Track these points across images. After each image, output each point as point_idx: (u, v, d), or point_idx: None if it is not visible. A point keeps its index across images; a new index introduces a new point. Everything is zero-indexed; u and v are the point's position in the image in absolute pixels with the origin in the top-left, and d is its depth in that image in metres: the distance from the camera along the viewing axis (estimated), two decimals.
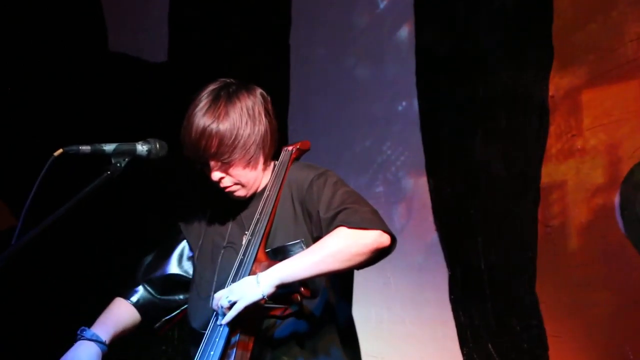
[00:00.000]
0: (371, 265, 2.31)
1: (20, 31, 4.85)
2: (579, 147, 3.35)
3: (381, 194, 4.04)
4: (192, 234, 2.59)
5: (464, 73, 3.72)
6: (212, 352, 2.24)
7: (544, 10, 3.44)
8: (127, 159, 2.19)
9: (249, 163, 2.40)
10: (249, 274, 2.28)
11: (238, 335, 2.24)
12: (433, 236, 3.79)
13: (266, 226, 2.37)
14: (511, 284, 3.53)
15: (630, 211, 3.20)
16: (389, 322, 3.94)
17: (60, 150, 2.08)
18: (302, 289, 2.23)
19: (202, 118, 2.34)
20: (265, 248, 2.37)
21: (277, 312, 2.26)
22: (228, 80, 2.46)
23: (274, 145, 2.49)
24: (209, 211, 2.59)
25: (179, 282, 2.57)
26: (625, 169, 3.21)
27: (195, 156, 2.38)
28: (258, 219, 2.39)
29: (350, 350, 2.47)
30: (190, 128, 2.35)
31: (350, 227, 2.24)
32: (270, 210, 2.40)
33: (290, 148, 2.60)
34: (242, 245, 2.41)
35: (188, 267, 2.58)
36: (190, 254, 2.59)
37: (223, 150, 2.34)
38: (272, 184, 2.46)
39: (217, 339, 2.25)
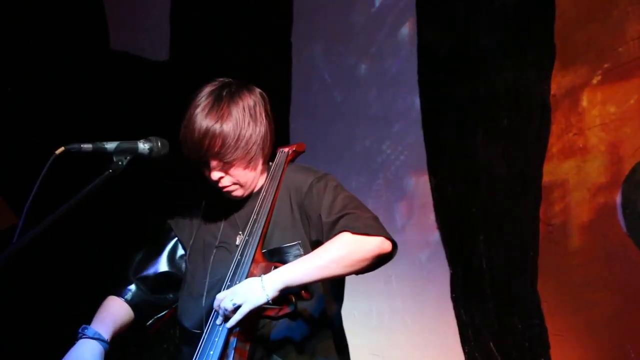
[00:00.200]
0: (371, 271, 2.33)
1: (21, 30, 4.85)
2: (581, 146, 3.35)
3: (382, 193, 4.04)
4: (183, 232, 2.59)
5: (466, 72, 3.73)
6: (211, 352, 2.25)
7: (545, 9, 3.45)
8: (128, 158, 2.19)
9: (249, 163, 2.42)
10: (247, 275, 2.29)
11: (236, 336, 2.25)
12: (434, 235, 3.80)
13: (263, 227, 2.39)
14: (513, 283, 3.54)
15: (631, 210, 3.20)
16: (390, 321, 3.94)
17: (62, 149, 2.08)
18: (303, 292, 2.25)
19: (205, 118, 2.34)
20: (262, 248, 2.38)
21: (271, 313, 2.26)
22: (226, 80, 2.47)
23: (272, 146, 2.50)
24: (201, 210, 2.60)
25: (171, 280, 2.57)
26: (626, 167, 3.21)
27: (197, 156, 2.38)
28: (255, 220, 2.40)
29: (343, 355, 2.50)
30: (192, 128, 2.35)
31: (354, 232, 2.26)
32: (267, 211, 2.41)
33: (286, 149, 2.61)
34: (235, 245, 2.43)
35: (180, 264, 2.59)
36: (182, 252, 2.59)
37: (225, 150, 2.35)
38: (269, 185, 2.47)
39: (216, 339, 2.26)
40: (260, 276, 2.22)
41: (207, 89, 2.43)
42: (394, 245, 2.32)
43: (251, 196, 2.50)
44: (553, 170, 3.44)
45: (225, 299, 2.22)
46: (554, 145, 3.44)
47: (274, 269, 2.25)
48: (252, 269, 2.31)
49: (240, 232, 2.44)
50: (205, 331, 2.30)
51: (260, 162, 2.47)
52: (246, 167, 2.42)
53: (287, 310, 2.25)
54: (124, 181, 2.31)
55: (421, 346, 3.84)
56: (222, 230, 2.50)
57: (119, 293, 2.56)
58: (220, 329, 2.26)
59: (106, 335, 2.43)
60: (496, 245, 3.59)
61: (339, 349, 2.48)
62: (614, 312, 3.24)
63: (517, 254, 3.52)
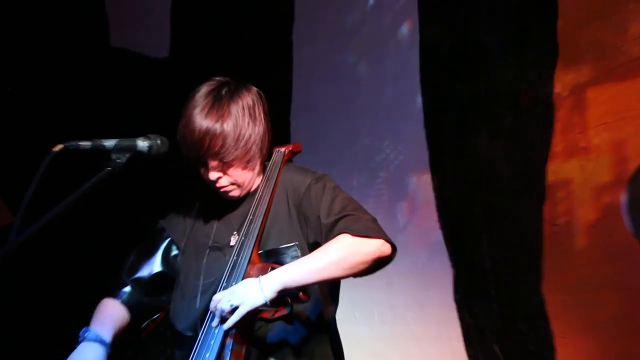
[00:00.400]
0: (370, 274, 2.33)
1: (21, 27, 4.86)
2: (584, 145, 3.35)
3: (383, 192, 4.04)
4: (176, 232, 2.60)
5: (468, 70, 3.73)
6: (207, 355, 2.24)
7: (547, 8, 3.45)
8: (127, 155, 2.18)
9: (248, 163, 2.43)
10: (244, 276, 2.29)
11: (232, 338, 2.26)
12: (437, 235, 3.81)
13: (260, 227, 2.39)
14: (517, 284, 3.54)
15: (637, 209, 3.19)
16: (392, 323, 3.95)
17: (60, 146, 2.08)
18: (301, 293, 2.25)
19: (205, 118, 2.35)
20: (258, 249, 2.38)
21: (267, 315, 2.26)
22: (224, 79, 2.47)
23: (269, 146, 2.51)
24: (195, 210, 2.60)
25: (166, 281, 2.57)
26: (631, 167, 3.22)
27: (196, 156, 2.39)
28: (251, 220, 2.41)
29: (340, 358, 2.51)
30: (192, 128, 2.35)
31: (353, 234, 2.27)
32: (263, 211, 2.42)
33: (282, 149, 2.62)
34: (230, 246, 2.43)
35: (175, 265, 2.59)
36: (177, 252, 2.60)
37: (225, 150, 2.36)
38: (265, 185, 2.48)
39: (212, 342, 2.25)
40: (257, 277, 2.22)
41: (206, 88, 2.43)
42: (394, 248, 2.32)
43: (247, 196, 2.51)
44: (557, 169, 3.44)
45: (222, 300, 2.22)
46: (558, 144, 3.44)
47: (271, 270, 2.25)
48: (248, 270, 2.31)
49: (235, 233, 2.45)
50: (200, 333, 2.30)
51: (258, 162, 2.48)
52: (244, 168, 2.43)
53: (283, 312, 2.25)
54: (122, 179, 2.31)
55: (424, 348, 3.84)
56: (215, 231, 2.50)
57: (115, 295, 2.56)
58: (217, 331, 2.26)
59: (107, 337, 2.44)
60: (500, 245, 3.60)
61: (335, 353, 2.49)
62: (621, 314, 3.24)
63: (521, 254, 3.53)
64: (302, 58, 4.48)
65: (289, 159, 2.63)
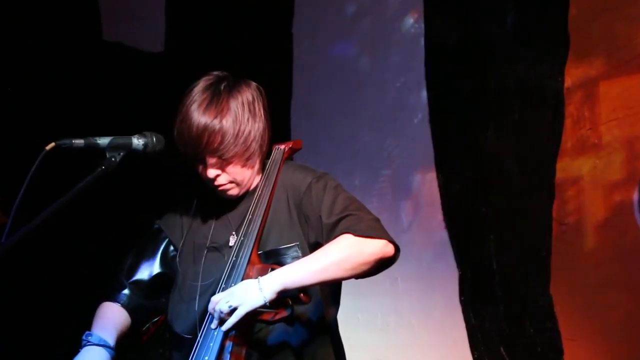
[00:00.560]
0: (372, 276, 2.32)
1: (9, 20, 4.83)
2: (596, 141, 3.35)
3: (387, 191, 4.05)
4: (174, 232, 2.59)
5: (475, 64, 3.73)
6: (206, 357, 2.24)
7: None
8: (122, 154, 2.17)
9: (247, 161, 2.41)
10: (243, 277, 2.28)
11: (232, 340, 2.25)
12: (442, 234, 3.81)
13: (259, 227, 2.38)
14: (524, 285, 3.53)
15: None
16: (396, 326, 3.96)
17: (53, 144, 2.07)
18: (302, 295, 2.24)
19: (203, 114, 2.33)
20: (258, 250, 2.37)
21: (267, 317, 2.25)
22: (222, 74, 2.46)
23: (269, 143, 2.50)
24: (192, 209, 2.59)
25: (166, 282, 2.56)
26: None
27: (194, 152, 2.37)
28: (250, 220, 2.39)
29: None
30: (189, 123, 2.33)
31: (356, 234, 2.26)
32: (263, 211, 2.40)
33: (282, 147, 2.60)
34: (228, 246, 2.42)
35: (174, 265, 2.58)
36: (175, 253, 2.58)
37: (224, 147, 2.35)
38: (264, 184, 2.47)
39: (211, 344, 2.25)
40: (257, 278, 2.21)
41: (203, 83, 2.41)
42: (397, 249, 2.31)
43: (246, 195, 2.49)
44: (566, 166, 3.44)
45: (220, 301, 2.21)
46: (568, 140, 3.44)
47: (270, 270, 2.24)
48: (248, 270, 2.30)
49: (234, 233, 2.43)
50: (199, 335, 2.30)
51: (258, 159, 2.46)
52: (244, 165, 2.41)
53: (284, 314, 2.24)
54: (117, 177, 2.28)
55: (428, 352, 3.85)
56: (213, 231, 2.49)
57: (114, 298, 2.55)
58: (216, 332, 2.25)
59: (111, 341, 2.43)
60: (507, 245, 3.59)
61: (337, 356, 2.48)
62: (631, 315, 3.22)
63: (529, 254, 3.52)
64: (302, 52, 4.47)
65: (289, 157, 2.61)
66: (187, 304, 2.43)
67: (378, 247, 2.26)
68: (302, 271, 2.22)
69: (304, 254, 2.35)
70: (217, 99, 2.36)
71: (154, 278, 2.56)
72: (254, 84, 2.48)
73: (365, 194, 3.93)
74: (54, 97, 4.78)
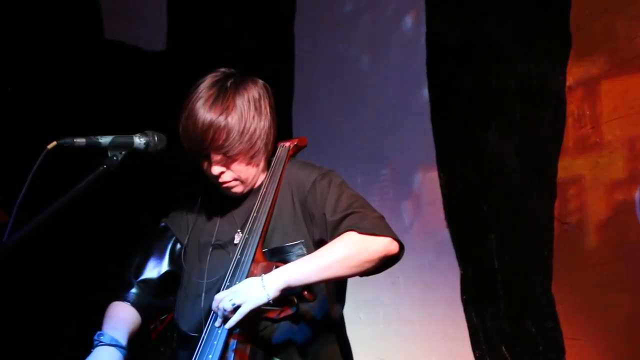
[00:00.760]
0: (377, 273, 2.33)
1: (9, 17, 4.84)
2: (597, 140, 3.34)
3: (388, 190, 4.04)
4: (180, 230, 2.59)
5: (477, 62, 3.72)
6: (210, 356, 2.25)
7: None
8: (124, 153, 2.18)
9: (252, 158, 2.42)
10: (247, 275, 2.29)
11: (236, 338, 2.26)
12: (444, 233, 3.80)
13: (264, 225, 2.39)
14: (526, 284, 3.54)
15: None
16: (397, 324, 3.95)
17: (54, 143, 2.08)
18: (306, 292, 2.25)
19: (209, 110, 2.34)
20: (263, 248, 2.38)
21: (272, 315, 2.26)
22: (228, 71, 2.46)
23: (275, 141, 2.50)
24: (196, 207, 2.60)
25: (175, 281, 2.57)
26: None
27: (198, 149, 2.38)
28: (255, 217, 2.40)
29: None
30: (194, 120, 2.34)
31: (360, 232, 2.27)
32: (267, 208, 2.41)
33: (287, 144, 2.61)
34: (233, 244, 2.43)
35: (181, 263, 2.58)
36: (181, 250, 2.59)
37: (230, 144, 2.35)
38: (269, 181, 2.47)
39: (215, 342, 2.26)
40: (260, 276, 2.22)
41: (210, 79, 2.42)
42: (401, 247, 2.32)
43: (250, 193, 2.50)
44: (568, 166, 3.44)
45: (224, 299, 2.22)
46: (569, 140, 3.44)
47: (275, 268, 2.25)
48: (252, 268, 2.31)
49: (239, 230, 2.44)
50: (203, 333, 2.30)
51: (263, 157, 2.47)
52: (249, 163, 2.42)
53: (288, 312, 2.25)
54: (119, 176, 2.30)
55: (430, 350, 3.84)
56: (218, 228, 2.50)
57: (123, 297, 2.55)
58: (219, 331, 2.26)
59: (123, 340, 2.43)
60: (509, 244, 3.59)
61: (343, 354, 2.48)
62: (633, 315, 3.23)
63: (530, 253, 3.52)
64: (304, 50, 4.47)
65: (293, 154, 2.61)
66: (192, 302, 2.45)
67: (382, 245, 2.27)
68: (305, 269, 2.23)
69: (309, 252, 2.36)
70: (223, 95, 2.37)
71: (163, 276, 2.57)
72: (260, 81, 2.49)
73: (366, 193, 3.85)
74: (55, 96, 4.79)
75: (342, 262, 2.24)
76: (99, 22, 5.03)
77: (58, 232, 3.75)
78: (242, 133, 2.36)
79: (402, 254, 2.33)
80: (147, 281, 2.57)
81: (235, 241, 2.43)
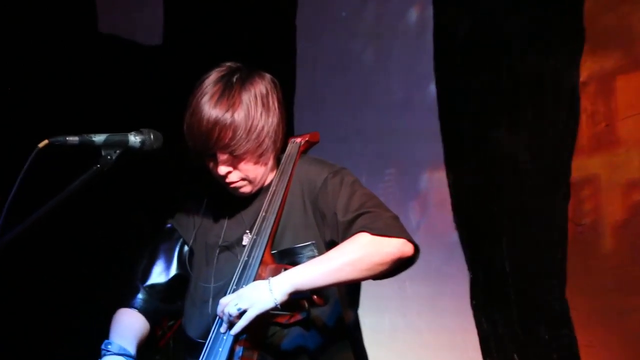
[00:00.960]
0: (390, 277, 2.31)
1: None
2: (613, 138, 3.34)
3: (394, 190, 4.04)
4: (187, 232, 2.58)
5: (487, 57, 3.72)
6: None
7: None
8: (118, 151, 2.17)
9: (260, 157, 2.39)
10: (255, 278, 2.27)
11: (242, 344, 2.24)
12: (453, 236, 3.80)
13: (273, 225, 2.36)
14: (539, 289, 3.53)
15: None
16: (404, 331, 3.96)
17: (46, 142, 2.06)
18: (315, 297, 2.22)
19: (214, 107, 2.32)
20: (272, 249, 2.36)
21: (282, 320, 2.25)
22: (234, 66, 2.44)
23: (284, 138, 2.48)
24: (202, 207, 2.58)
25: (183, 284, 2.55)
26: None
27: (204, 148, 2.36)
28: (264, 217, 2.38)
29: None
30: (199, 117, 2.32)
31: (372, 233, 2.24)
32: (277, 207, 2.39)
33: (298, 140, 2.58)
34: (242, 245, 2.41)
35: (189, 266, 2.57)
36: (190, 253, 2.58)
37: (236, 143, 2.33)
38: (279, 179, 2.45)
39: (220, 349, 2.25)
40: (268, 279, 2.20)
41: (216, 74, 2.40)
42: (416, 249, 2.30)
43: (260, 191, 2.48)
44: (582, 165, 3.44)
45: (229, 303, 2.20)
46: (583, 137, 3.43)
47: (284, 271, 2.23)
48: (260, 271, 2.29)
49: (248, 231, 2.42)
50: (208, 339, 2.29)
51: (272, 156, 2.44)
52: (256, 162, 2.40)
53: (299, 317, 2.24)
54: (114, 176, 2.28)
55: (438, 357, 3.84)
56: (225, 229, 2.48)
57: (130, 304, 2.53)
58: (225, 337, 2.25)
59: (131, 349, 2.42)
60: (520, 247, 3.58)
61: None
62: None
63: (543, 256, 3.51)
64: (306, 45, 4.46)
65: (305, 151, 2.59)
66: (200, 308, 2.43)
67: (396, 247, 2.24)
68: (314, 272, 2.21)
69: (320, 253, 2.34)
70: (229, 91, 2.34)
71: (171, 280, 2.55)
72: (268, 75, 2.46)
73: None
74: (47, 92, 4.79)
75: (354, 264, 2.21)
76: (92, 15, 5.03)
77: (49, 234, 3.74)
78: (249, 131, 2.33)
79: (418, 257, 2.31)
80: (155, 286, 2.55)
81: (244, 242, 2.41)
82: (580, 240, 3.42)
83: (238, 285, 2.29)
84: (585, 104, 3.42)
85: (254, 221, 2.40)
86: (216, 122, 2.31)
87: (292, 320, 2.24)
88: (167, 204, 2.70)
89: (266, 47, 4.51)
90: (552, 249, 3.47)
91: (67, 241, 4.64)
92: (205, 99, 2.34)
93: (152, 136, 2.24)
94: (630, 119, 3.31)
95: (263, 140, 2.36)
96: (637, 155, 3.28)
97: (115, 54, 4.95)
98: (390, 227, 2.26)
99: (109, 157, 2.15)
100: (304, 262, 2.31)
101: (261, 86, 2.39)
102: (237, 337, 2.23)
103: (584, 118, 3.43)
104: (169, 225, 2.62)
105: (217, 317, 2.26)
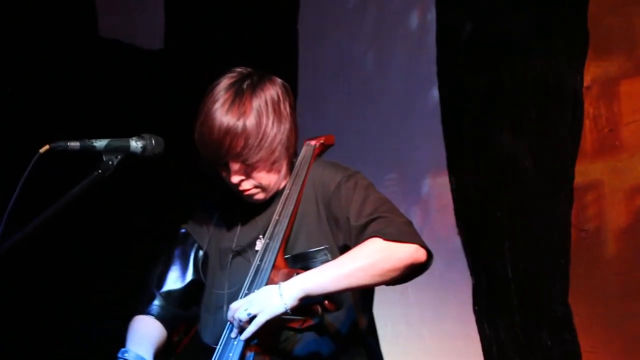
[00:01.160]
0: (403, 283, 2.31)
1: None
2: (616, 143, 3.35)
3: (396, 194, 4.03)
4: (202, 237, 2.56)
5: (490, 60, 3.72)
6: None
7: None
8: (119, 157, 2.16)
9: (273, 165, 2.38)
10: (267, 283, 2.26)
11: (253, 349, 2.24)
12: (455, 241, 3.80)
13: (286, 229, 2.35)
14: (542, 294, 3.54)
15: None
16: (406, 337, 3.94)
17: (47, 147, 2.06)
18: (327, 302, 2.22)
19: (225, 114, 2.30)
20: (285, 254, 2.35)
21: (296, 325, 2.24)
22: (245, 71, 2.42)
23: (296, 144, 2.46)
24: (215, 212, 2.57)
25: (200, 289, 2.54)
26: None
27: (216, 157, 2.35)
28: (277, 221, 2.36)
29: None
30: (210, 125, 2.31)
31: (385, 238, 2.23)
32: (290, 211, 2.37)
33: (313, 142, 2.55)
34: (255, 249, 2.40)
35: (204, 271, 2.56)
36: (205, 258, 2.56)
37: (248, 151, 2.31)
38: (293, 183, 2.43)
39: (230, 354, 2.24)
40: (278, 284, 2.20)
41: (226, 81, 2.38)
42: (429, 255, 2.28)
43: (275, 196, 2.46)
44: (586, 170, 3.44)
45: (239, 308, 2.20)
46: (586, 142, 3.44)
47: (296, 275, 2.22)
48: (272, 275, 2.28)
49: (261, 236, 2.41)
50: (219, 345, 2.28)
51: (285, 162, 2.43)
52: (270, 170, 2.38)
53: (311, 322, 2.23)
54: (115, 182, 2.30)
55: None
56: (239, 234, 2.47)
57: (146, 311, 2.51)
58: (235, 342, 2.24)
59: (149, 357, 2.39)
60: (523, 252, 3.59)
61: None
62: None
63: (546, 262, 3.52)
64: (308, 49, 4.46)
65: (320, 153, 2.56)
66: (214, 314, 2.42)
67: (408, 253, 2.22)
68: (325, 277, 2.20)
69: (333, 258, 2.32)
70: (239, 98, 2.32)
71: (187, 286, 2.53)
72: (279, 80, 2.44)
73: None
74: (47, 97, 4.79)
75: (365, 270, 2.20)
76: (93, 19, 5.03)
77: (50, 240, 3.75)
78: (260, 139, 2.31)
79: (431, 263, 2.29)
80: (171, 292, 2.53)
81: (257, 247, 2.40)
82: (584, 245, 3.43)
83: (250, 290, 2.27)
84: (588, 108, 3.43)
85: (267, 225, 2.39)
86: (227, 131, 2.29)
87: (305, 325, 2.22)
88: (167, 206, 2.70)
89: (268, 52, 4.51)
90: (555, 254, 3.48)
91: (69, 244, 4.65)
92: (216, 106, 2.31)
93: (153, 141, 2.23)
94: (634, 124, 3.31)
95: (275, 148, 2.34)
96: None
97: (116, 58, 4.95)
98: (403, 233, 2.24)
99: (110, 162, 2.15)
100: (317, 266, 2.29)
101: (272, 92, 2.37)
102: (247, 343, 2.22)
103: (587, 123, 3.43)
104: (183, 231, 2.60)
105: (228, 322, 2.26)
